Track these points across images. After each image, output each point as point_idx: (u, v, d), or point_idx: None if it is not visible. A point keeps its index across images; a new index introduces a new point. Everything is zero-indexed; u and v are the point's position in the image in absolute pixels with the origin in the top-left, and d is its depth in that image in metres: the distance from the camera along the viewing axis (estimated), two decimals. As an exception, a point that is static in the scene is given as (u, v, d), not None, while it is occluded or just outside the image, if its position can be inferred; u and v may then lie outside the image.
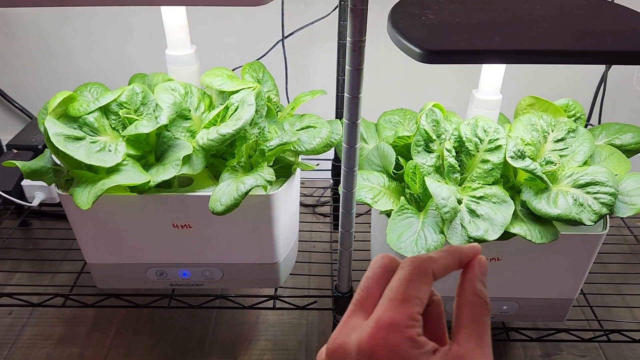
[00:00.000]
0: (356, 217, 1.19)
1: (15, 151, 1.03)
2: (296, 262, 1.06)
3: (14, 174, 0.99)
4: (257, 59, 0.99)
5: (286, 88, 1.07)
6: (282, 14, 0.98)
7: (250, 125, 0.73)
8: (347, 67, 0.61)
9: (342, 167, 0.68)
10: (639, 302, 0.98)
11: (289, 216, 0.81)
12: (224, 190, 0.67)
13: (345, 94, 0.63)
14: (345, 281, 0.79)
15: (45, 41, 1.12)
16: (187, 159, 0.72)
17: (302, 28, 1.00)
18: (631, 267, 1.05)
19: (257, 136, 0.74)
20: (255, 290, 0.99)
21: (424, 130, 0.77)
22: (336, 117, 1.02)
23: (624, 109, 1.21)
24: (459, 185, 0.78)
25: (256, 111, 0.74)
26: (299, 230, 1.09)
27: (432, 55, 0.64)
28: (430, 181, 0.73)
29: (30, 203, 0.98)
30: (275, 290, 0.86)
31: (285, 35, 1.00)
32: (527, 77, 1.16)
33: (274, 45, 1.01)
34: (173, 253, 0.78)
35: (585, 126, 1.16)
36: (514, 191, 0.79)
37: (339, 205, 0.72)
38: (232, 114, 0.73)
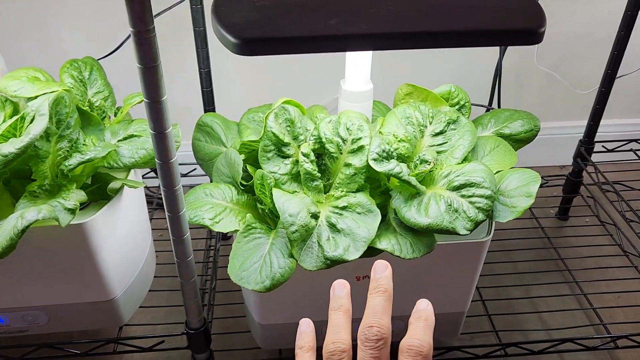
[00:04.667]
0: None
1: None
2: (174, 290, 0.92)
3: None
4: (103, 57, 0.85)
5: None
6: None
7: (51, 140, 0.59)
8: (137, 64, 0.49)
9: (161, 187, 0.55)
10: (548, 305, 0.90)
11: (124, 243, 0.67)
12: (7, 226, 0.54)
13: (144, 99, 0.50)
14: (194, 316, 0.66)
15: None
16: (-29, 186, 0.58)
17: (154, 17, 0.86)
18: (542, 263, 0.97)
19: (67, 151, 0.61)
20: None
21: (272, 132, 0.65)
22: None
23: (531, 89, 1.12)
24: (325, 194, 0.67)
25: (61, 121, 0.60)
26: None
27: (249, 45, 0.52)
28: (278, 194, 0.61)
29: None
30: (120, 329, 0.73)
31: (138, 26, 0.86)
32: (420, 62, 1.05)
33: (125, 41, 0.87)
34: (-21, 298, 0.64)
35: (487, 111, 1.06)
36: (388, 197, 0.68)
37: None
38: (28, 126, 0.59)
